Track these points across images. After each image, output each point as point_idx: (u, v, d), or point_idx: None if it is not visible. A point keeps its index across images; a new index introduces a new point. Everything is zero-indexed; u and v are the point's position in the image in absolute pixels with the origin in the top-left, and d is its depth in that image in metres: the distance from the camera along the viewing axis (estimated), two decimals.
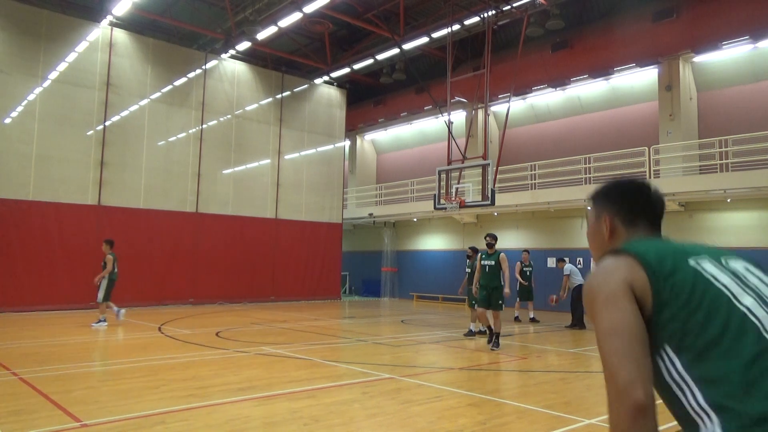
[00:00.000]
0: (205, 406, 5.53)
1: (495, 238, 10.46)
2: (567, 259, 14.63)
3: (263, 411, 5.46)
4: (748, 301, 1.29)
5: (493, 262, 10.16)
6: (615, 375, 1.26)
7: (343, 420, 5.14)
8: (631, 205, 1.64)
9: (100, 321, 12.14)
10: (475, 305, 11.65)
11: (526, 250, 15.90)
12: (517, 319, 15.26)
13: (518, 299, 15.45)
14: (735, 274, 1.37)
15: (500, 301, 10.04)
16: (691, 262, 1.37)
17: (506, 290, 9.97)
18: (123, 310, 12.46)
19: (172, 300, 17.76)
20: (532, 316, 15.09)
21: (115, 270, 12.37)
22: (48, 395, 5.83)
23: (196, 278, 18.41)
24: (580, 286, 13.76)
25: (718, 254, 1.45)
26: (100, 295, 12.21)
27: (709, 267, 1.37)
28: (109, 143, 16.96)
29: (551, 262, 17.54)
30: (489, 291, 10.06)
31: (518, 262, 15.48)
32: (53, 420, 4.94)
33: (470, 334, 11.61)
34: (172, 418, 5.07)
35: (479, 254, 10.67)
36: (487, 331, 10.28)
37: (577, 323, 13.67)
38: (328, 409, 5.52)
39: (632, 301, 1.32)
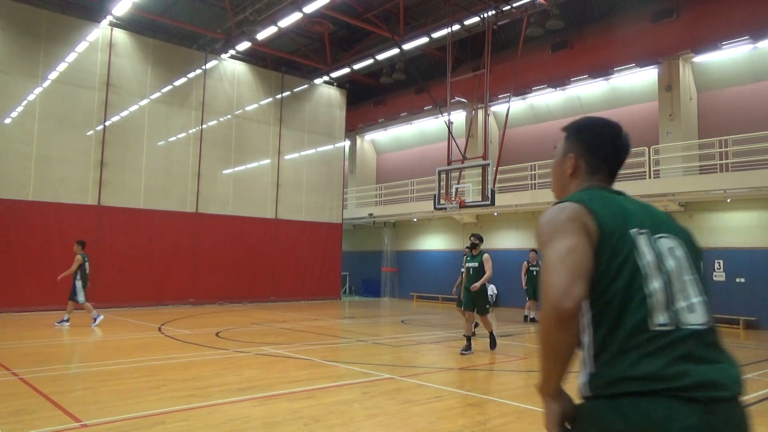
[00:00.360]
0: (205, 407, 5.53)
1: (480, 239, 10.03)
2: None
3: (263, 411, 5.46)
4: (656, 284, 1.48)
5: (477, 264, 9.69)
6: (555, 284, 1.42)
7: (343, 420, 5.14)
8: (599, 152, 1.77)
9: (63, 321, 12.03)
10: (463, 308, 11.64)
11: (533, 250, 15.84)
12: (527, 318, 15.22)
13: (528, 299, 15.36)
14: (659, 255, 1.53)
15: (487, 305, 9.73)
16: (632, 233, 1.54)
17: (476, 285, 9.41)
18: (68, 324, 12.16)
19: (172, 300, 17.75)
20: (532, 316, 15.03)
21: (86, 272, 12.24)
22: (48, 395, 5.83)
23: (196, 278, 18.41)
24: None
25: (656, 227, 1.59)
26: (80, 296, 12.07)
27: (641, 244, 1.53)
28: (109, 143, 16.96)
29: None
30: (474, 294, 9.58)
31: (525, 262, 15.45)
32: (53, 420, 4.94)
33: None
34: (172, 419, 5.07)
35: (464, 256, 10.38)
36: (489, 338, 9.97)
37: None
38: (328, 409, 5.52)
39: (587, 236, 1.51)
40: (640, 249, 1.52)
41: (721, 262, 15.51)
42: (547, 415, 1.57)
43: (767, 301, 14.64)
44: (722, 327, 14.88)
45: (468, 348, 9.31)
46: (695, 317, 1.50)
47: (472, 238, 9.99)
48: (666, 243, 1.57)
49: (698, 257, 1.64)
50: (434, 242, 23.77)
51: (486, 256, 9.76)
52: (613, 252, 1.50)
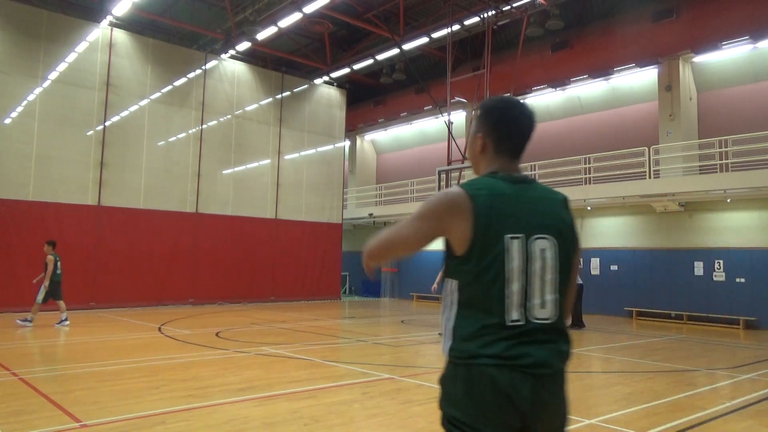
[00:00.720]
0: (205, 407, 5.53)
1: None
2: None
3: (263, 411, 5.46)
4: (516, 286, 1.75)
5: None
6: (385, 244, 1.93)
7: (343, 420, 5.14)
8: (505, 135, 1.92)
9: (26, 320, 11.94)
10: None
11: None
12: None
13: None
14: (527, 258, 1.77)
15: None
16: (509, 240, 1.77)
17: (434, 286, 8.61)
18: (67, 321, 12.15)
19: (172, 300, 17.75)
20: None
21: (58, 271, 12.10)
22: (48, 395, 5.83)
23: (196, 278, 18.41)
24: (579, 285, 13.73)
25: (535, 228, 1.81)
26: (39, 297, 11.91)
27: (513, 249, 1.77)
28: (109, 143, 16.96)
29: None
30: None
31: None
32: (53, 420, 4.94)
33: None
34: (172, 419, 5.07)
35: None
36: None
37: (576, 322, 13.67)
38: (328, 409, 5.52)
39: (438, 229, 1.85)
40: (511, 254, 1.76)
41: (721, 262, 15.52)
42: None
43: (767, 301, 14.64)
44: (722, 327, 14.89)
45: None
46: (544, 313, 1.79)
47: None
48: (540, 244, 1.80)
49: (569, 256, 1.87)
50: (434, 242, 23.73)
51: None
52: (485, 251, 1.76)
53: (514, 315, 1.75)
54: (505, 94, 2.06)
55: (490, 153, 1.94)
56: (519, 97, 20.86)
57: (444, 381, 1.86)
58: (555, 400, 1.80)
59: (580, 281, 13.76)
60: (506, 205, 1.80)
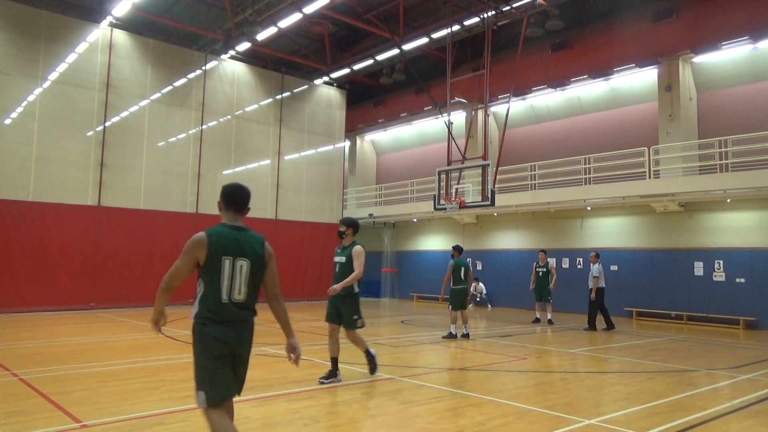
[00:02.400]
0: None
1: (350, 224, 7.18)
2: (599, 257, 14.00)
3: (263, 411, 5.46)
4: (226, 283, 3.35)
5: (344, 259, 7.04)
6: (167, 278, 3.42)
7: (342, 420, 5.14)
8: (226, 198, 3.57)
9: None
10: (450, 307, 11.61)
11: (542, 251, 15.78)
12: (537, 320, 15.17)
13: (536, 300, 15.27)
14: (233, 270, 3.36)
15: (355, 316, 7.09)
16: (224, 259, 3.35)
17: (337, 285, 6.93)
18: None
19: (171, 300, 17.37)
20: (549, 317, 14.94)
21: None
22: (48, 396, 5.83)
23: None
24: (602, 289, 13.60)
25: (240, 254, 3.42)
26: None
27: (225, 265, 3.35)
28: (108, 144, 16.96)
29: (552, 263, 17.50)
30: (339, 300, 7.09)
31: (534, 263, 15.37)
32: (53, 421, 4.94)
33: (450, 336, 11.50)
34: (172, 419, 5.07)
35: (335, 249, 7.50)
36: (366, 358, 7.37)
37: (593, 325, 13.57)
38: (328, 409, 5.52)
39: (193, 259, 3.36)
40: (225, 267, 3.35)
41: (721, 262, 15.52)
42: (155, 314, 3.57)
43: (767, 301, 14.64)
44: (722, 327, 14.89)
45: (332, 375, 6.84)
46: (240, 297, 3.40)
47: (341, 226, 7.24)
48: (239, 263, 3.40)
49: (258, 271, 3.49)
50: (434, 243, 23.77)
51: (358, 248, 7.10)
52: (213, 265, 3.34)
53: (224, 297, 3.35)
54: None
55: (223, 211, 3.57)
56: (519, 98, 20.97)
57: (194, 332, 3.37)
58: (246, 338, 3.47)
59: (602, 284, 13.64)
60: (226, 239, 3.40)
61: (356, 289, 7.11)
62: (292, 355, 3.69)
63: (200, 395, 3.30)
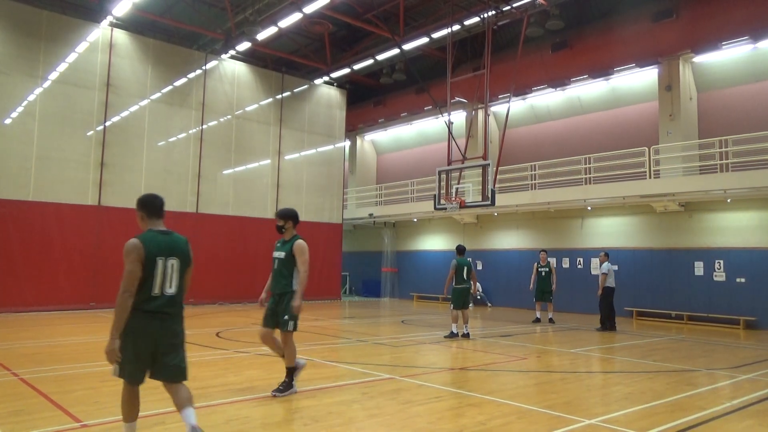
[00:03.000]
0: (205, 407, 5.53)
1: (287, 217, 6.29)
2: (608, 256, 13.99)
3: (263, 411, 5.46)
4: (159, 279, 3.89)
5: (284, 254, 6.15)
6: (124, 284, 3.75)
7: (343, 420, 5.14)
8: (148, 208, 4.17)
9: None
10: (452, 306, 11.61)
11: (543, 250, 15.79)
12: (537, 320, 15.18)
13: (536, 300, 15.27)
14: (165, 268, 3.92)
15: (286, 316, 6.01)
16: (158, 259, 3.88)
17: (295, 302, 5.97)
18: None
19: None
20: (550, 317, 14.94)
21: None
22: (48, 395, 5.84)
23: (196, 278, 18.09)
24: (611, 288, 13.57)
25: (170, 254, 3.97)
26: None
27: (158, 264, 3.88)
28: (109, 144, 16.96)
29: (552, 263, 17.53)
30: (276, 299, 6.17)
31: (535, 264, 15.37)
32: (53, 420, 4.94)
33: (452, 335, 11.50)
34: (172, 419, 5.07)
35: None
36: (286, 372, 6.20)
37: (605, 325, 13.53)
38: (328, 409, 5.52)
39: (138, 259, 3.80)
40: (158, 265, 3.88)
41: (721, 262, 15.52)
42: (111, 345, 3.73)
43: (767, 301, 14.64)
44: (722, 327, 14.89)
45: (288, 387, 6.07)
46: (171, 291, 3.93)
47: (278, 220, 6.36)
48: (171, 261, 3.95)
49: (185, 268, 4.07)
50: (434, 242, 23.77)
51: (300, 243, 6.14)
52: (148, 265, 3.83)
53: (156, 291, 3.87)
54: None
55: (146, 220, 4.14)
56: (519, 97, 20.98)
57: (128, 321, 3.78)
58: (172, 328, 3.95)
59: (612, 284, 13.62)
60: (158, 242, 3.95)
61: (295, 287, 6.11)
62: None
63: (115, 367, 3.84)
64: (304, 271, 6.05)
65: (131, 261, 3.79)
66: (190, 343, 10.49)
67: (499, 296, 20.84)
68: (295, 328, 6.09)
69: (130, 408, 3.97)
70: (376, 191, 25.62)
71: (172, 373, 3.92)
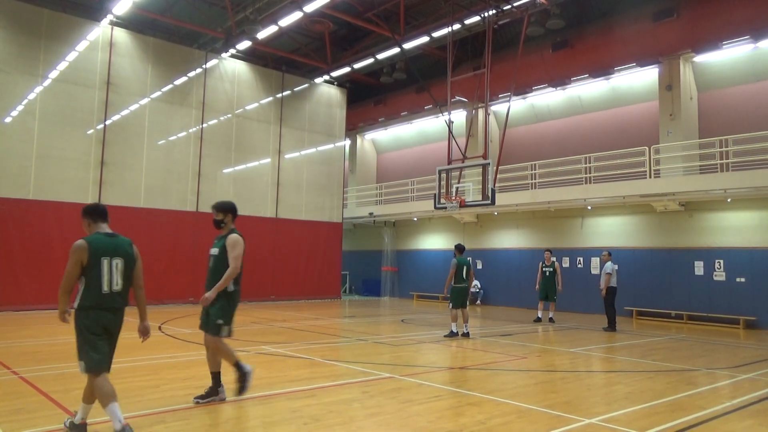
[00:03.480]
0: (204, 406, 5.53)
1: (227, 209, 6.20)
2: (611, 256, 13.90)
3: (263, 410, 5.47)
4: (106, 277, 4.37)
5: (218, 251, 5.93)
6: (63, 284, 4.29)
7: (343, 419, 5.14)
8: (92, 215, 4.52)
9: None
10: (451, 305, 11.61)
11: (548, 250, 15.77)
12: (538, 319, 15.17)
13: (540, 299, 15.25)
14: (111, 267, 4.39)
15: (219, 320, 5.64)
16: (102, 260, 4.35)
17: (209, 293, 5.63)
18: None
19: (172, 299, 17.75)
20: (551, 316, 14.93)
21: None
22: (48, 394, 5.84)
23: (196, 277, 18.36)
24: (613, 288, 13.52)
25: (115, 254, 4.42)
26: None
27: (104, 264, 4.36)
28: (109, 142, 16.96)
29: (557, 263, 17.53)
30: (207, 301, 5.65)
31: (540, 263, 15.36)
32: (53, 419, 4.94)
33: (452, 335, 11.50)
34: (172, 417, 5.07)
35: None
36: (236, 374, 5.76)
37: (613, 325, 13.45)
38: (328, 408, 5.52)
39: (79, 261, 4.28)
40: (103, 265, 4.33)
41: (721, 262, 15.51)
42: (61, 314, 4.39)
43: (767, 301, 14.64)
44: (722, 327, 14.89)
45: (212, 393, 5.66)
46: (117, 288, 4.41)
47: (214, 211, 6.26)
48: (115, 261, 4.39)
49: (130, 267, 4.51)
50: (434, 242, 23.77)
51: (233, 238, 5.95)
52: (93, 265, 4.29)
53: (105, 288, 4.32)
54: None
55: (93, 225, 4.48)
56: (519, 97, 20.98)
57: (77, 318, 4.31)
58: (119, 320, 4.50)
59: (614, 284, 13.60)
60: (103, 243, 4.36)
61: (231, 288, 5.69)
62: (143, 337, 4.83)
63: (81, 364, 4.28)
64: (234, 267, 5.66)
65: (72, 262, 4.24)
66: (189, 342, 10.49)
67: (499, 295, 20.85)
68: (229, 334, 5.67)
69: (108, 392, 4.30)
70: (376, 190, 25.62)
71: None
